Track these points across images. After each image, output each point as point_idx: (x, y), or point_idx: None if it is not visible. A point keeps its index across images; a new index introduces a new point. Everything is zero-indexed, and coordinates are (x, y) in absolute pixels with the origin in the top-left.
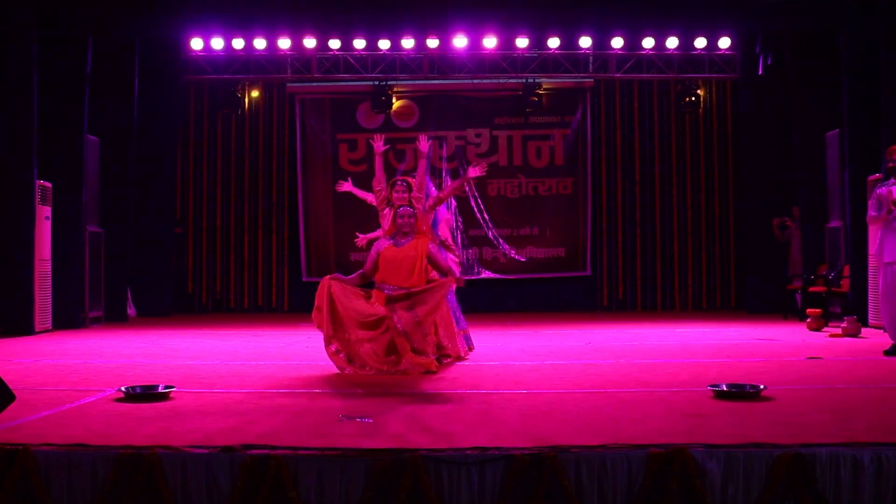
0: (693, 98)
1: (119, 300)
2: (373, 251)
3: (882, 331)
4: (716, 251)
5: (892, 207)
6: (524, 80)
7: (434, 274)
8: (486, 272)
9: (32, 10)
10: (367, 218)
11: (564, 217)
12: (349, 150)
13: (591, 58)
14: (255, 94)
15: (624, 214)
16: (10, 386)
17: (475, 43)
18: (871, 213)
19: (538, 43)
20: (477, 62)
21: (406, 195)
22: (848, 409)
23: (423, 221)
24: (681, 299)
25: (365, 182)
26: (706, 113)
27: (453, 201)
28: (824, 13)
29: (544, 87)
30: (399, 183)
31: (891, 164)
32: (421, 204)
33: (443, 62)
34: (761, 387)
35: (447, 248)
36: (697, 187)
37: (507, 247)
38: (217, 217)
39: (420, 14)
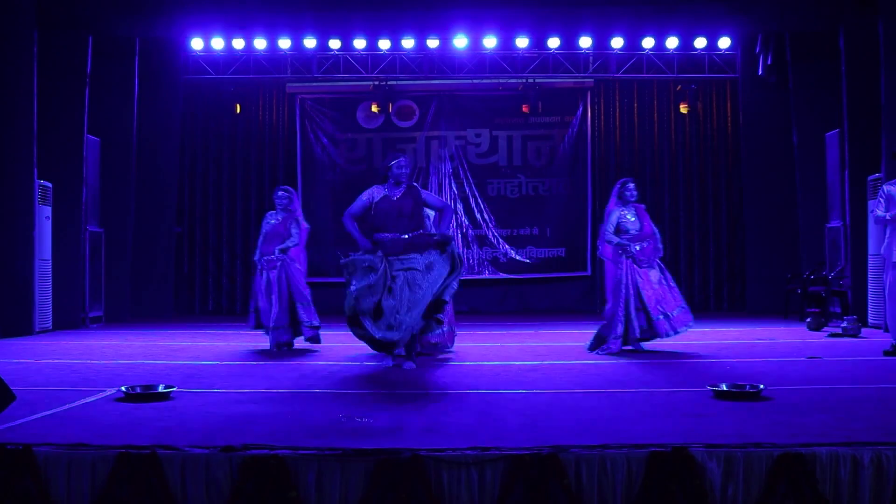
0: (688, 108)
1: (119, 300)
2: (365, 197)
3: (882, 331)
4: (716, 251)
5: None
6: (524, 80)
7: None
8: (487, 272)
9: (32, 10)
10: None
11: (564, 217)
12: (349, 150)
13: (591, 58)
14: (254, 94)
15: None
16: (11, 386)
17: (475, 43)
18: (877, 212)
19: (538, 43)
20: (477, 62)
21: (407, 171)
22: (848, 409)
23: None
24: None
25: (363, 181)
26: (706, 113)
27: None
28: (824, 13)
29: (544, 87)
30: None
31: None
32: None
33: (443, 62)
34: (761, 387)
35: None
36: (697, 187)
37: (507, 247)
38: (217, 217)
39: (420, 14)
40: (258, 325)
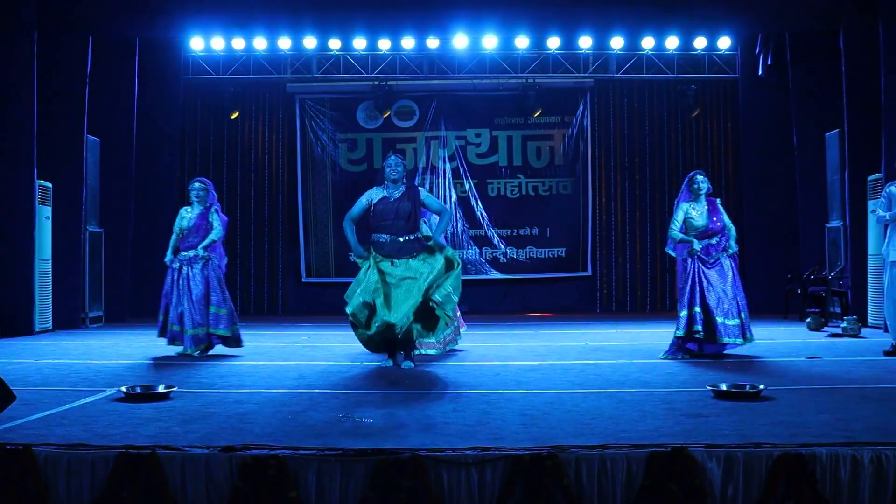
0: (691, 104)
1: (119, 300)
2: (364, 200)
3: (883, 330)
4: None
5: None
6: (524, 80)
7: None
8: (487, 272)
9: (32, 10)
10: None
11: (564, 217)
12: (349, 150)
13: (591, 58)
14: (254, 94)
15: (624, 214)
16: (11, 386)
17: (475, 43)
18: (879, 212)
19: (538, 43)
20: (477, 62)
21: (399, 170)
22: (848, 409)
23: None
24: None
25: (363, 181)
26: (706, 113)
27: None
28: (824, 13)
29: (544, 87)
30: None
31: None
32: None
33: (443, 62)
34: (761, 387)
35: None
36: None
37: (507, 247)
38: None
39: (420, 14)
40: (165, 333)
